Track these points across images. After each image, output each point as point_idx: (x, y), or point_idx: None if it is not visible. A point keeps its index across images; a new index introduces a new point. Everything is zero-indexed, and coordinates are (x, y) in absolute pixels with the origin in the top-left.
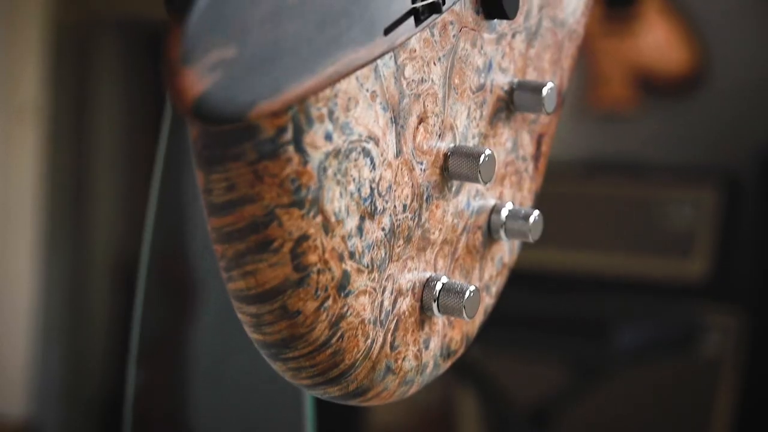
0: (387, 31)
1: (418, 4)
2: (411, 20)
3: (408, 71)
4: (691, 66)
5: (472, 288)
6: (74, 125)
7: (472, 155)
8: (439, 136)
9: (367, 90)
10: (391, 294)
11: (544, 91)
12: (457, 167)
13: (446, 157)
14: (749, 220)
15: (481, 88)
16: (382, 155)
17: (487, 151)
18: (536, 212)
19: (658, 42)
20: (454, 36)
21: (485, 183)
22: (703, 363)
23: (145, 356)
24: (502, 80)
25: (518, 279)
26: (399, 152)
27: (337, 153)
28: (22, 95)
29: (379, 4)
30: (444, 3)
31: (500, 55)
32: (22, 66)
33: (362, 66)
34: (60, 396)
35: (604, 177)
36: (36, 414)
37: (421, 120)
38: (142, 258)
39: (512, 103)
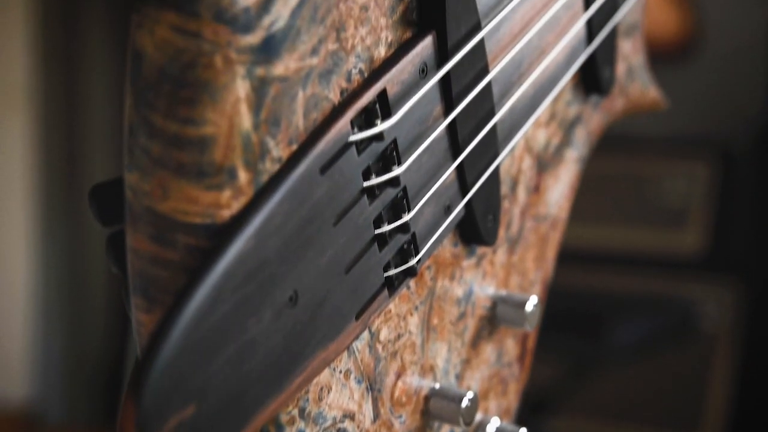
0: (359, 314)
1: (392, 272)
2: (384, 291)
3: (383, 334)
4: (684, 33)
5: None
6: (65, 104)
7: (453, 399)
8: (419, 381)
9: (340, 371)
10: None
11: (528, 306)
12: (437, 411)
13: (426, 399)
14: (744, 192)
15: (461, 316)
16: (358, 427)
17: (469, 396)
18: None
19: (649, 8)
20: (431, 279)
21: (467, 425)
22: (701, 337)
23: None
24: (484, 299)
25: None
26: (376, 417)
27: None
28: (12, 76)
29: (346, 290)
30: (420, 261)
31: (481, 276)
32: (9, 44)
33: (334, 359)
34: (62, 377)
35: (596, 151)
36: (38, 396)
37: (399, 375)
38: None
39: (495, 317)
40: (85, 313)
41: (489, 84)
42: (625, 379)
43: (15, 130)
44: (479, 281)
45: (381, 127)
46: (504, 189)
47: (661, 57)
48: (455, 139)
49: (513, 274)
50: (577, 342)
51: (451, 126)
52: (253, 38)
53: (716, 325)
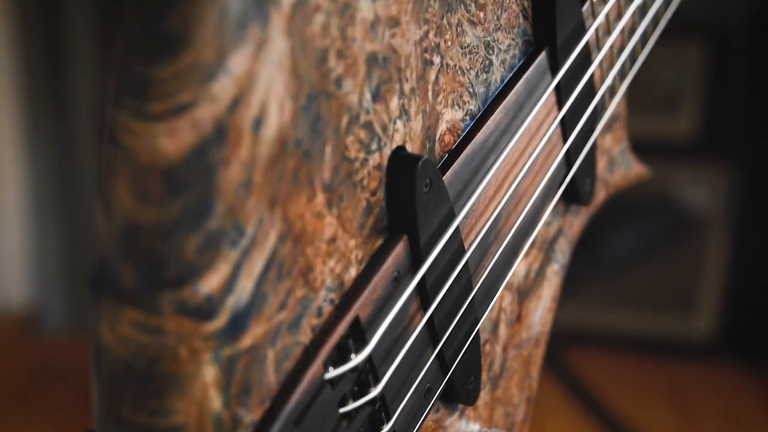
0: None
1: None
2: None
3: None
4: None
5: None
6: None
7: None
8: None
9: None
10: None
11: None
12: None
13: None
14: (737, 76)
15: None
16: None
17: None
18: None
19: None
20: None
21: None
22: (694, 221)
23: None
24: None
25: None
26: None
27: None
28: None
29: None
30: None
31: (465, 423)
32: None
33: None
34: (60, 280)
35: None
36: (37, 301)
37: None
38: None
39: None
40: (80, 215)
41: (466, 263)
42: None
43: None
44: (464, 428)
45: (356, 360)
46: (484, 336)
47: None
48: (432, 326)
49: (497, 407)
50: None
51: (429, 318)
52: (218, 322)
53: (709, 210)
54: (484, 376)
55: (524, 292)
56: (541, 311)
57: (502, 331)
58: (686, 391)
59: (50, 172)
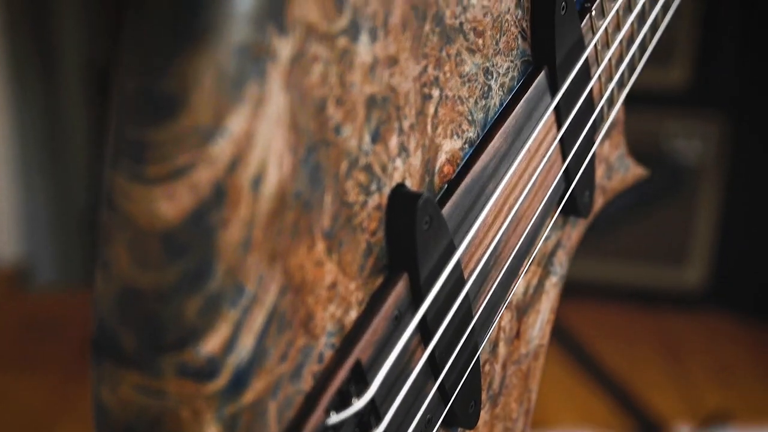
0: None
1: None
2: None
3: None
4: None
5: None
6: None
7: None
8: None
9: None
10: None
11: None
12: None
13: None
14: (729, 26)
15: None
16: None
17: None
18: None
19: None
20: None
21: None
22: (686, 175)
23: None
24: None
25: None
26: None
27: None
28: None
29: None
30: None
31: None
32: None
33: None
34: (49, 233)
35: None
36: (27, 254)
37: None
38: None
39: None
40: (68, 168)
41: (467, 293)
42: None
43: None
44: None
45: (358, 405)
46: (484, 356)
47: None
48: (433, 359)
49: (497, 424)
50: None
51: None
52: (219, 382)
53: (701, 161)
54: (483, 396)
55: (523, 308)
56: (539, 324)
57: (502, 349)
58: (676, 342)
59: (37, 126)
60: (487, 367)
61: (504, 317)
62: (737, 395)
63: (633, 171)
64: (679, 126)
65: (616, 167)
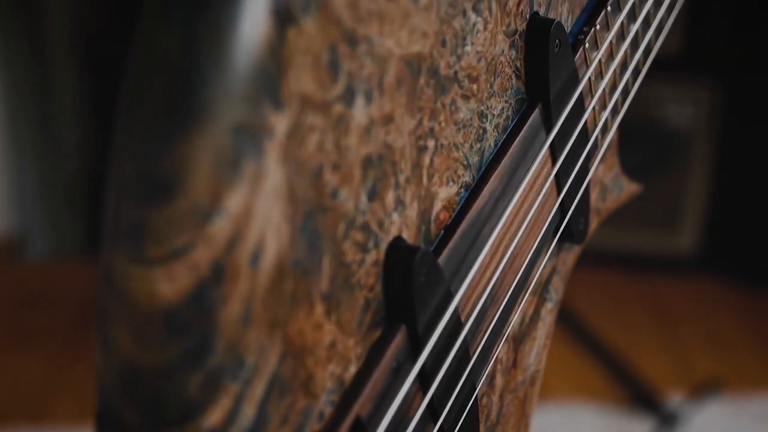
0: None
1: None
2: None
3: None
4: None
5: None
6: None
7: None
8: None
9: None
10: None
11: None
12: None
13: None
14: None
15: None
16: None
17: None
18: None
19: None
20: None
21: None
22: (677, 137)
23: None
24: None
25: None
26: None
27: None
28: None
29: None
30: None
31: None
32: None
33: None
34: (40, 205)
35: None
36: (18, 227)
37: None
38: None
39: None
40: (59, 139)
41: (465, 336)
42: None
43: None
44: None
45: None
46: (482, 390)
47: None
48: (432, 404)
49: None
50: None
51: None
52: None
53: (692, 127)
54: (481, 428)
55: (519, 338)
56: (536, 351)
57: (499, 380)
58: (669, 307)
59: (26, 97)
60: (484, 400)
61: (501, 349)
62: (729, 362)
63: (627, 189)
64: (670, 91)
65: (610, 188)
